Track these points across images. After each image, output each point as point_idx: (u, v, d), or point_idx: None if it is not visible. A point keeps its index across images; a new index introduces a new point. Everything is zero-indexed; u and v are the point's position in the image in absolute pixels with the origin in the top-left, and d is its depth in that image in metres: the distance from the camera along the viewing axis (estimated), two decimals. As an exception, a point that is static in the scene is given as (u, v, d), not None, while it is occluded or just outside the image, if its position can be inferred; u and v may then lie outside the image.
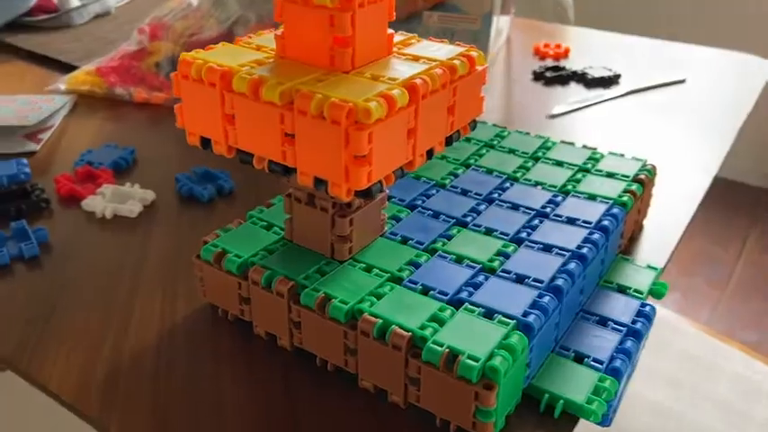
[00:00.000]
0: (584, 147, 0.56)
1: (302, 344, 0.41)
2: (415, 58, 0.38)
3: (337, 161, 0.33)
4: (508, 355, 0.34)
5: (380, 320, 0.36)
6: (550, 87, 0.84)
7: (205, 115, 0.37)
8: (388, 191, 0.44)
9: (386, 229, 0.45)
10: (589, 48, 0.99)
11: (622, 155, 0.55)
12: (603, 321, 0.43)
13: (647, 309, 0.44)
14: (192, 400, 0.39)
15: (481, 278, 0.40)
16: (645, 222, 0.56)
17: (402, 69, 0.36)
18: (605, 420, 0.38)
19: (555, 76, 0.85)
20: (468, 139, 0.58)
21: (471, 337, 0.35)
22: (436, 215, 0.47)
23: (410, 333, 0.35)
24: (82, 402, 0.38)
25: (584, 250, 0.42)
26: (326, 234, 0.41)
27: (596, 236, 0.44)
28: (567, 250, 0.42)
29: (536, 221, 0.46)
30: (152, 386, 0.39)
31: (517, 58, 0.95)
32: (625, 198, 0.48)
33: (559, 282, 0.39)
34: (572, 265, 0.41)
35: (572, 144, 0.57)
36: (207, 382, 0.40)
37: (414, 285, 0.40)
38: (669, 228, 0.55)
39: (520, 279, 0.40)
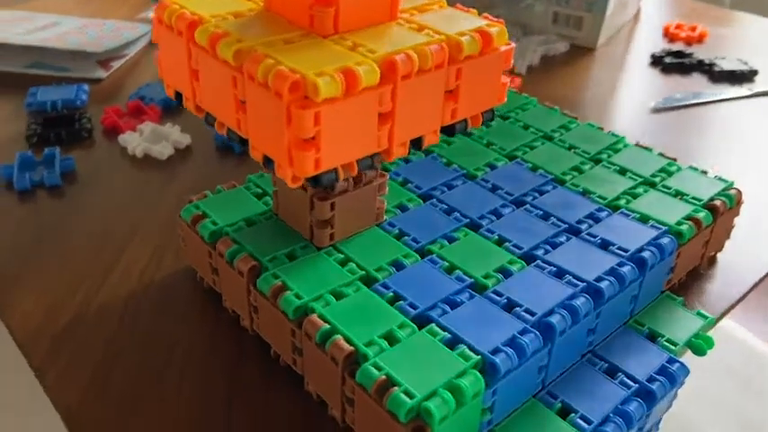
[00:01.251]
0: (661, 155, 0.47)
1: (259, 330, 0.37)
2: (420, 28, 0.32)
3: (280, 141, 0.28)
4: (451, 399, 0.28)
5: (327, 326, 0.32)
6: (667, 75, 0.73)
7: (176, 67, 0.33)
8: (388, 175, 0.39)
9: (384, 218, 0.40)
10: (735, 35, 0.84)
11: (705, 172, 0.45)
12: (613, 371, 0.36)
13: (675, 367, 0.36)
14: (139, 363, 0.37)
15: (465, 296, 0.34)
16: (719, 257, 0.46)
17: (392, 41, 0.31)
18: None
19: (675, 62, 0.73)
20: (525, 126, 0.50)
21: (419, 367, 0.30)
22: (450, 211, 0.41)
23: (352, 348, 0.31)
24: (31, 347, 0.37)
25: (603, 284, 0.35)
26: (306, 216, 0.37)
27: (626, 269, 0.36)
28: (582, 280, 0.35)
29: (562, 238, 0.39)
30: (105, 345, 0.38)
31: (641, 36, 0.83)
32: (684, 227, 0.39)
33: (554, 319, 0.33)
34: (579, 301, 0.34)
35: (649, 150, 0.48)
36: (163, 348, 0.38)
37: (384, 290, 0.34)
38: (743, 270, 0.45)
39: (510, 306, 0.34)
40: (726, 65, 0.72)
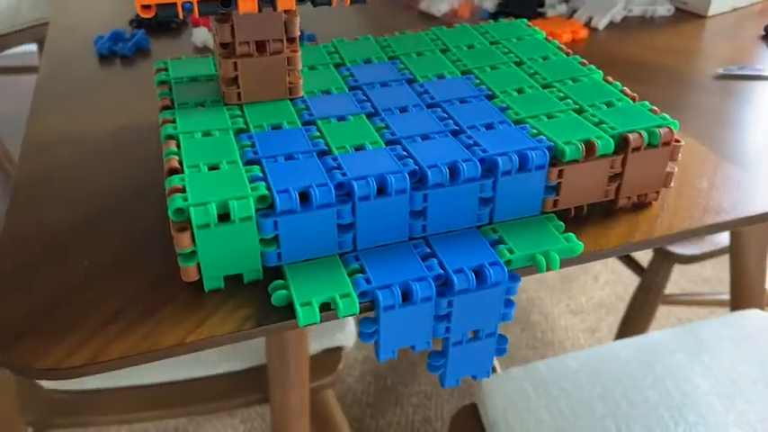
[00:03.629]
0: (622, 92, 0.44)
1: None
2: None
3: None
4: (214, 212, 0.33)
5: (174, 148, 0.38)
6: (776, 51, 0.64)
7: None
8: (300, 51, 0.43)
9: (301, 94, 0.44)
10: None
11: (655, 110, 0.41)
12: (428, 257, 0.36)
13: (493, 269, 0.35)
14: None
15: (306, 156, 0.38)
16: (657, 204, 0.42)
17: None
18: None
19: (789, 37, 0.64)
20: (507, 51, 0.50)
21: (215, 189, 0.34)
22: (363, 101, 0.44)
23: (178, 166, 0.36)
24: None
25: (431, 170, 0.36)
26: (219, 75, 0.43)
27: (467, 164, 0.36)
28: (417, 164, 0.36)
29: (439, 136, 0.40)
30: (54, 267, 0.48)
31: (779, 12, 0.73)
32: (568, 147, 0.38)
33: (356, 183, 0.35)
34: (395, 176, 0.35)
35: (614, 85, 0.45)
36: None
37: (245, 140, 0.39)
38: (658, 225, 0.40)
39: (334, 168, 0.36)
40: None
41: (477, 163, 0.37)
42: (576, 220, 0.41)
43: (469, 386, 1.15)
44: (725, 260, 0.99)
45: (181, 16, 0.36)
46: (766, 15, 0.72)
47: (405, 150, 0.38)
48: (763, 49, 0.64)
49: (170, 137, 0.39)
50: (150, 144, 0.49)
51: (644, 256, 1.07)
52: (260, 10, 0.37)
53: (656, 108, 0.41)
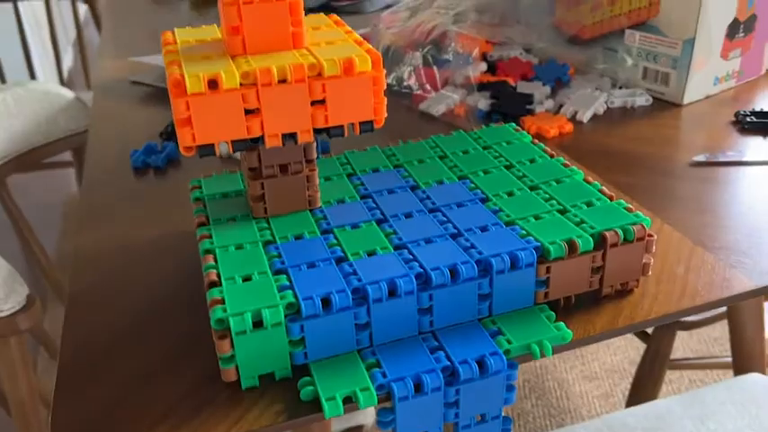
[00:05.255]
0: (601, 191, 0.50)
1: (203, 270, 0.50)
2: (307, 55, 0.43)
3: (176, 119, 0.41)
4: (249, 320, 0.38)
5: (212, 263, 0.44)
6: (746, 136, 0.70)
7: (167, 75, 0.49)
8: (317, 170, 0.49)
9: (319, 205, 0.50)
10: None
11: (630, 209, 0.47)
12: (436, 350, 0.42)
13: (494, 359, 0.40)
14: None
15: (327, 263, 0.43)
16: (639, 291, 0.47)
17: (274, 61, 0.42)
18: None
19: (757, 122, 0.70)
20: (497, 156, 0.56)
21: (250, 298, 0.40)
22: (374, 209, 0.50)
23: (216, 279, 0.42)
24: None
25: (434, 273, 0.41)
26: (248, 193, 0.49)
27: (466, 266, 0.42)
28: (422, 267, 0.42)
29: (441, 239, 0.45)
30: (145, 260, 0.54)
31: (748, 98, 0.80)
32: (553, 246, 0.43)
33: (371, 288, 0.40)
34: (403, 280, 0.41)
35: (594, 185, 0.51)
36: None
37: (273, 250, 0.45)
38: (639, 309, 0.46)
39: (350, 274, 0.42)
40: (814, 129, 0.67)
41: (474, 264, 0.42)
42: (565, 309, 0.46)
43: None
44: (727, 323, 1.03)
45: (218, 155, 0.43)
46: (737, 101, 0.79)
47: (411, 254, 0.44)
48: (735, 134, 0.70)
49: (208, 251, 0.45)
50: (187, 250, 0.55)
51: (649, 323, 1.11)
52: (283, 144, 0.43)
53: (630, 206, 0.47)
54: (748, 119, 0.71)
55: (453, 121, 0.76)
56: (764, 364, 0.95)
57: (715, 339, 1.54)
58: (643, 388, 1.05)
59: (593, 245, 0.44)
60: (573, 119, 0.75)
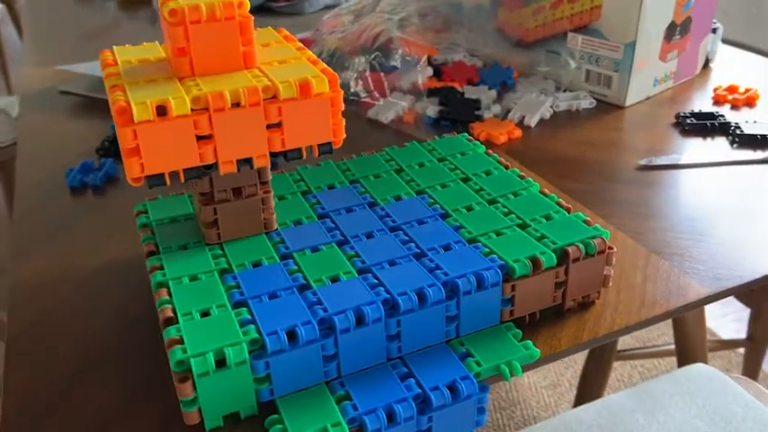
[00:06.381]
0: (558, 203, 0.50)
1: (155, 301, 0.48)
2: (260, 76, 0.41)
3: (121, 152, 0.39)
4: (211, 360, 0.37)
5: (166, 297, 0.42)
6: (687, 137, 0.72)
7: (107, 97, 0.46)
8: (272, 192, 0.47)
9: (276, 227, 0.49)
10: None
11: (588, 221, 0.47)
12: (407, 376, 0.41)
13: (465, 383, 0.40)
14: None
15: (288, 292, 0.42)
16: (600, 302, 0.47)
17: (226, 83, 0.40)
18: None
19: (697, 124, 0.72)
20: (453, 168, 0.56)
21: (210, 336, 0.38)
22: (333, 229, 0.49)
23: (172, 315, 0.40)
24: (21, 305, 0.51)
25: (401, 299, 0.40)
26: (200, 218, 0.47)
27: (432, 289, 0.41)
28: (388, 293, 0.41)
29: (405, 259, 0.44)
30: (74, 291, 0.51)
31: (684, 98, 0.82)
32: (517, 264, 0.43)
33: (337, 318, 0.39)
34: (371, 307, 0.40)
35: (551, 197, 0.51)
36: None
37: (230, 280, 0.43)
38: (604, 319, 0.46)
39: (315, 303, 0.41)
40: (750, 128, 0.70)
41: (441, 287, 0.41)
42: (530, 325, 0.46)
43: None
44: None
45: (168, 184, 0.40)
46: (675, 101, 0.81)
47: (376, 278, 0.43)
48: (677, 136, 0.72)
49: (160, 284, 0.43)
50: (135, 279, 0.52)
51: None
52: (239, 169, 0.41)
53: (589, 219, 0.47)
54: (688, 120, 0.73)
55: (403, 129, 0.75)
56: (706, 353, 0.99)
57: (657, 326, 1.60)
58: (592, 380, 1.07)
59: (555, 261, 0.44)
60: (521, 124, 0.75)
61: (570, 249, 0.44)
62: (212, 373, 0.37)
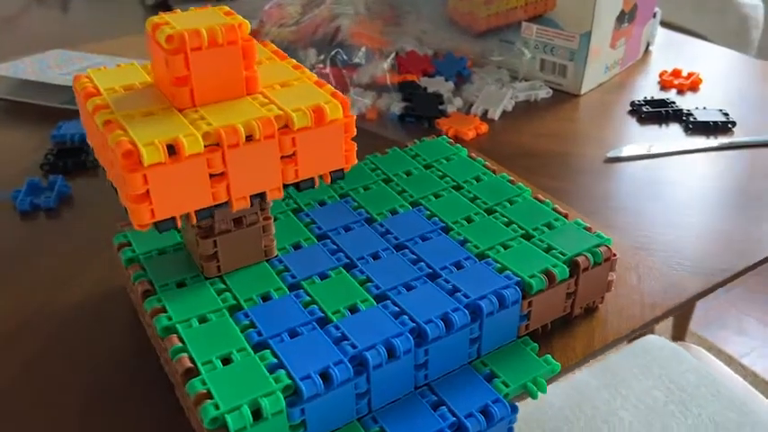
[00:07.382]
0: (555, 209, 0.50)
1: (152, 339, 0.45)
2: (267, 104, 0.39)
3: (124, 195, 0.35)
4: (248, 414, 0.35)
5: (179, 344, 0.39)
6: (645, 125, 0.74)
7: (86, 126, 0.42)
8: (272, 219, 0.45)
9: (276, 254, 0.46)
10: (740, 85, 0.84)
11: (589, 228, 0.48)
12: (439, 405, 0.40)
13: (498, 406, 0.40)
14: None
15: (308, 328, 0.40)
16: (603, 307, 0.49)
17: (234, 115, 0.37)
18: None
19: (652, 112, 0.75)
20: (442, 176, 0.55)
21: (238, 386, 0.36)
22: (336, 251, 0.47)
23: (191, 365, 0.37)
24: (-16, 341, 0.47)
25: (429, 327, 0.40)
26: (196, 251, 0.44)
27: (458, 314, 0.41)
28: (414, 321, 0.40)
29: (419, 282, 0.44)
30: (45, 340, 0.47)
31: (632, 83, 0.85)
32: (534, 280, 0.43)
33: (369, 354, 0.38)
34: (400, 339, 0.39)
35: (545, 204, 0.51)
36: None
37: (243, 318, 0.41)
38: (612, 325, 0.48)
39: (340, 339, 0.39)
40: (703, 115, 0.73)
41: (465, 311, 0.41)
42: (544, 336, 0.46)
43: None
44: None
45: (179, 225, 0.37)
46: (623, 87, 0.84)
47: (396, 305, 0.42)
48: (636, 125, 0.74)
49: (168, 329, 0.40)
50: (119, 313, 0.48)
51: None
52: (251, 204, 0.39)
53: (589, 226, 0.48)
54: (644, 108, 0.75)
55: (366, 126, 0.73)
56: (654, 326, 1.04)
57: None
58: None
59: (568, 273, 0.45)
60: (484, 117, 0.75)
61: (580, 260, 0.45)
62: (249, 427, 0.35)
